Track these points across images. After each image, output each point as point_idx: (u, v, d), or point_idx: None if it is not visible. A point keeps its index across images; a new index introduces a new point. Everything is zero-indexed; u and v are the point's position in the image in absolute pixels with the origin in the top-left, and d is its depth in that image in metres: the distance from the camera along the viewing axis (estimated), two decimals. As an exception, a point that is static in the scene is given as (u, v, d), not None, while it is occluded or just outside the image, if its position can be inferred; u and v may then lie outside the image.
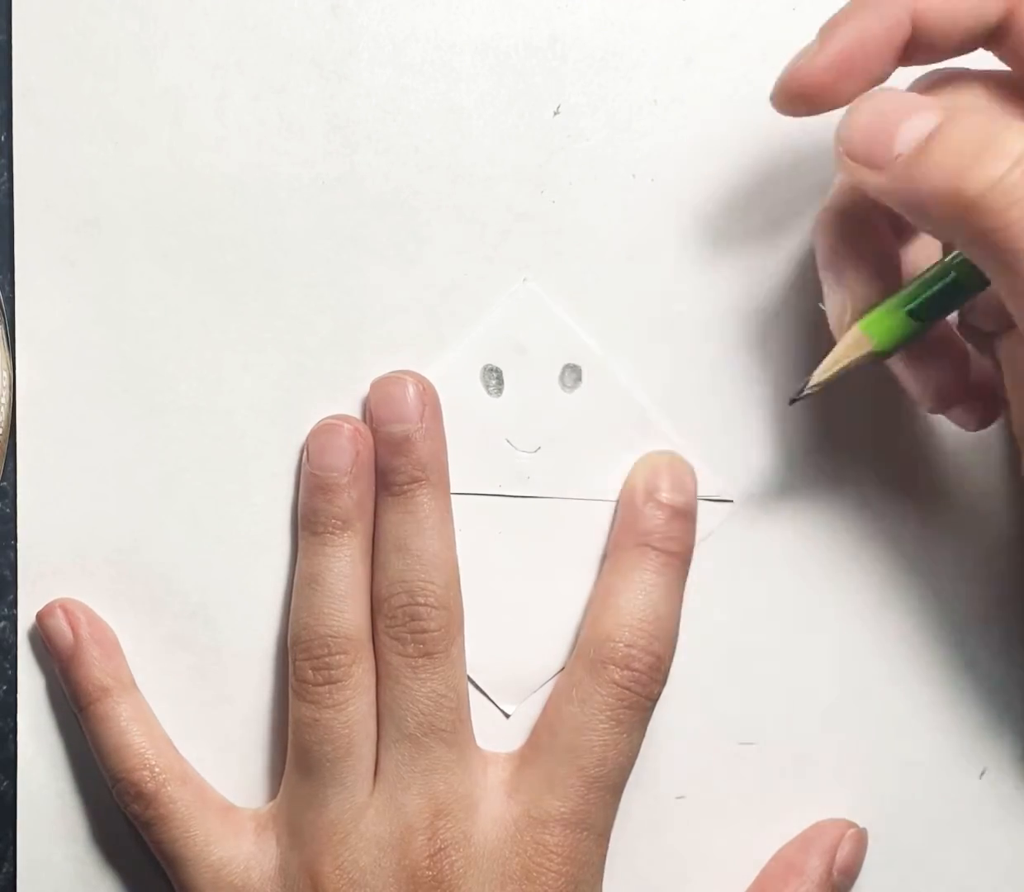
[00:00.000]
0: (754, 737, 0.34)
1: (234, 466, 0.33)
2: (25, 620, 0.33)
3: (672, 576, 0.31)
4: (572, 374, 0.33)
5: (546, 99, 0.33)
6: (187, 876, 0.30)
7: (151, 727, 0.32)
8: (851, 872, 0.32)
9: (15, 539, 0.33)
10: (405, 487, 0.31)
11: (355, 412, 0.32)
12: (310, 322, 0.33)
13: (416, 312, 0.33)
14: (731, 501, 0.33)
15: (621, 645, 0.30)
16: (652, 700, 0.30)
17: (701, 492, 0.32)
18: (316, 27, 0.32)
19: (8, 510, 0.33)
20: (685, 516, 0.32)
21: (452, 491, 0.32)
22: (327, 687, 0.30)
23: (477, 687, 0.32)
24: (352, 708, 0.30)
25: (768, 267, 0.33)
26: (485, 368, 0.33)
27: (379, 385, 0.32)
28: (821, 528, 0.33)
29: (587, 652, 0.31)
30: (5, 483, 0.33)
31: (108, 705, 0.31)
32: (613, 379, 0.33)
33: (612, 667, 0.30)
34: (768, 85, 0.32)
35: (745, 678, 0.33)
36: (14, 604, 0.33)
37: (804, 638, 0.33)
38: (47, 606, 0.32)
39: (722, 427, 0.33)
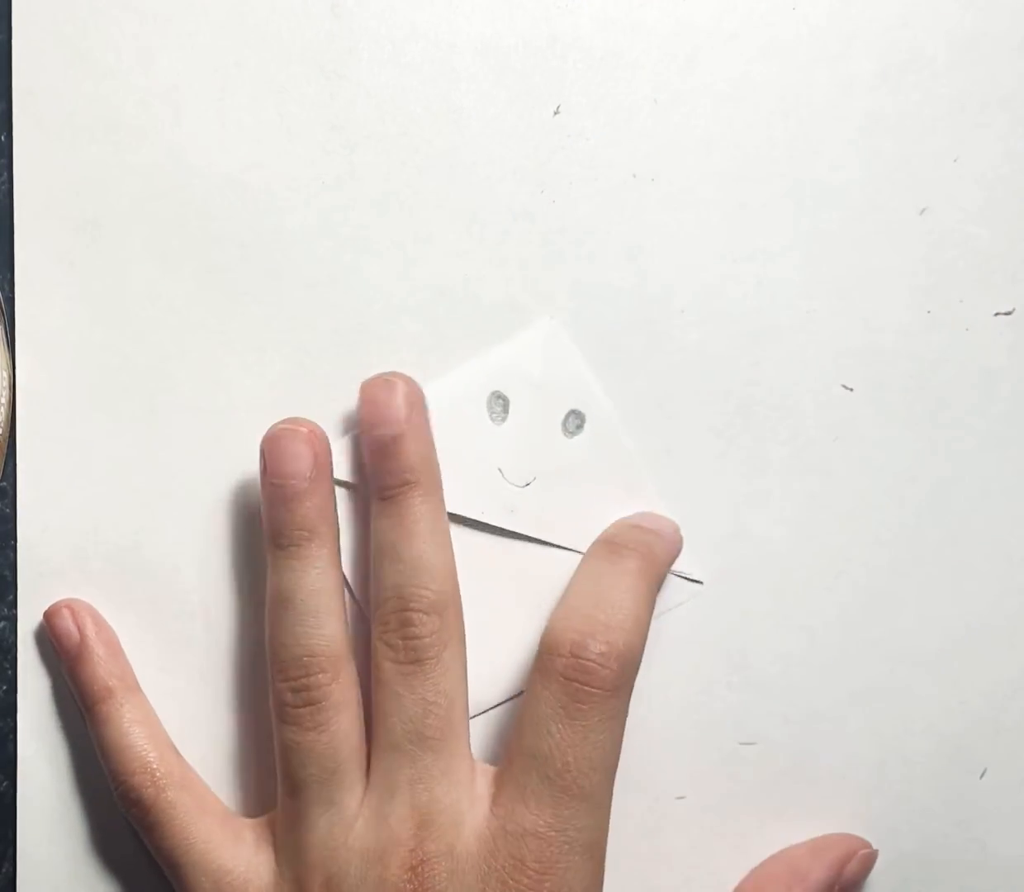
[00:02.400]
0: (754, 737, 0.33)
1: (234, 466, 0.33)
2: (25, 620, 0.33)
3: (628, 566, 0.30)
4: (576, 420, 0.33)
5: (546, 99, 0.33)
6: (188, 883, 0.30)
7: (153, 730, 0.32)
8: (853, 891, 0.32)
9: (15, 539, 0.33)
10: (395, 491, 0.30)
11: (353, 412, 0.32)
12: (310, 322, 0.33)
13: (416, 312, 0.33)
14: (700, 582, 0.33)
15: (568, 634, 0.28)
16: (607, 690, 0.28)
17: (674, 567, 0.33)
18: (316, 27, 0.32)
19: (8, 510, 0.33)
20: (654, 532, 0.31)
21: None
22: (307, 708, 0.29)
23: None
24: (334, 727, 0.29)
25: (770, 268, 0.33)
26: (493, 394, 0.33)
27: (366, 389, 0.31)
28: (823, 526, 0.33)
29: (539, 652, 0.29)
30: (5, 483, 0.33)
31: (111, 706, 0.31)
32: (615, 435, 0.33)
33: (557, 657, 0.28)
34: (768, 84, 0.32)
35: (745, 678, 0.33)
36: (14, 604, 0.33)
37: (805, 637, 0.33)
38: (53, 606, 0.32)
39: (709, 502, 0.33)
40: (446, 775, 0.29)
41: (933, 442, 0.33)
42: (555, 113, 0.33)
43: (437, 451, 0.31)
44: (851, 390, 0.33)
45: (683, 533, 0.33)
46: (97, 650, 0.31)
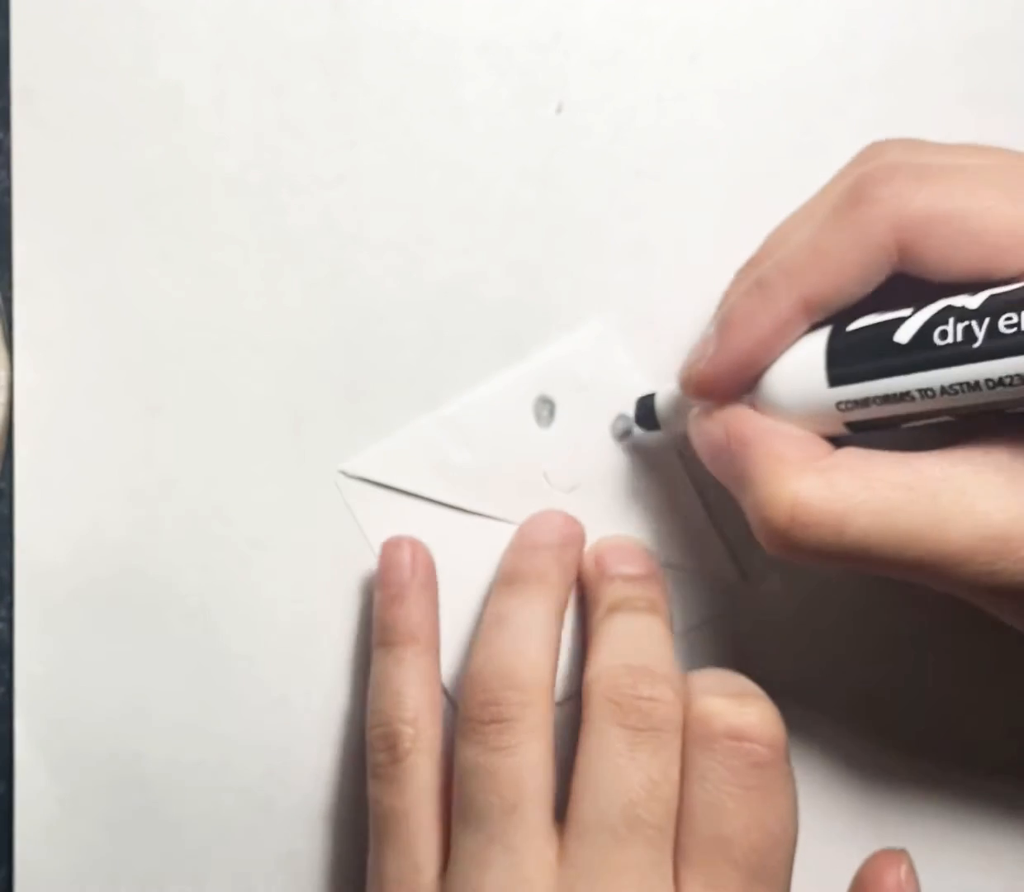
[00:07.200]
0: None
1: (234, 466, 0.33)
2: (22, 622, 0.33)
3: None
4: (624, 424, 0.32)
5: (548, 96, 0.32)
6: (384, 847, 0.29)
7: (435, 692, 0.31)
8: None
9: (12, 540, 0.33)
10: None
11: (353, 412, 0.32)
12: (310, 322, 0.33)
13: (416, 312, 0.33)
14: (743, 580, 0.33)
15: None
16: (773, 748, 0.27)
17: (714, 570, 0.32)
18: (316, 23, 0.32)
19: (5, 511, 0.33)
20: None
21: (479, 513, 0.32)
22: (494, 725, 0.28)
23: (447, 695, 0.32)
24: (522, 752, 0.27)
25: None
26: (540, 397, 0.32)
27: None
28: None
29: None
30: (3, 484, 0.33)
31: (413, 652, 0.30)
32: (663, 441, 0.32)
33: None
34: (773, 81, 0.31)
35: (748, 678, 0.33)
36: (11, 606, 0.33)
37: (808, 636, 0.33)
38: (396, 538, 0.32)
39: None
40: (656, 869, 0.26)
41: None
42: (558, 110, 0.32)
43: (486, 467, 0.32)
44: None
45: (723, 543, 0.33)
46: (421, 596, 0.31)
